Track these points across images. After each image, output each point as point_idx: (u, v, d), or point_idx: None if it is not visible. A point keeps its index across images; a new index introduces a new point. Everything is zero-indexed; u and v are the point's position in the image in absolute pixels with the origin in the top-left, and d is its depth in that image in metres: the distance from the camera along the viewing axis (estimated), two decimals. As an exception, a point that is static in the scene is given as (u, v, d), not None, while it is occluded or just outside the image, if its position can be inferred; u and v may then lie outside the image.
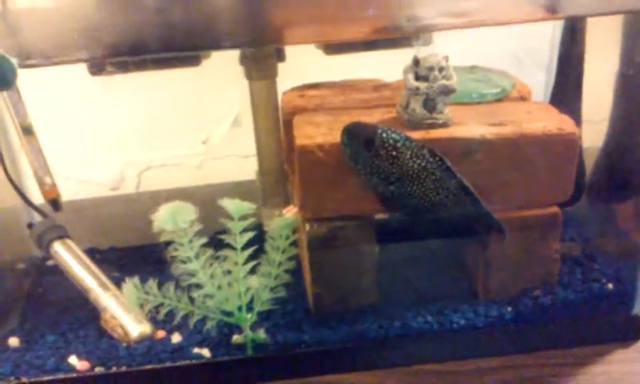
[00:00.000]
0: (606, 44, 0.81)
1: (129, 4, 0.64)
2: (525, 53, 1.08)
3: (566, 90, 0.83)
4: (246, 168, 1.00)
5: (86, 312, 0.81)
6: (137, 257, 0.94)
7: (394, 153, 0.68)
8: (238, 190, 0.88)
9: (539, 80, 1.02)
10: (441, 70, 0.71)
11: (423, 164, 0.69)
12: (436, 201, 0.70)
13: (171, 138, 1.15)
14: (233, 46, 0.76)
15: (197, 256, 0.71)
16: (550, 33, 1.03)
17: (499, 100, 0.80)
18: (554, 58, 0.96)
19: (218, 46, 0.70)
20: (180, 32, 0.66)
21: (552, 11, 0.72)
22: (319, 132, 0.74)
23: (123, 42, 0.64)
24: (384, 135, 0.68)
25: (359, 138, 0.69)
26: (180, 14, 0.65)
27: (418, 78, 0.72)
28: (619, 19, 0.77)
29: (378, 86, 0.86)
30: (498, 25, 0.74)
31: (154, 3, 0.64)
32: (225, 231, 0.71)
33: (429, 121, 0.73)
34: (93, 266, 0.81)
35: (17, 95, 0.62)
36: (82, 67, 0.77)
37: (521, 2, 0.72)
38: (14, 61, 0.59)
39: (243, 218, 0.70)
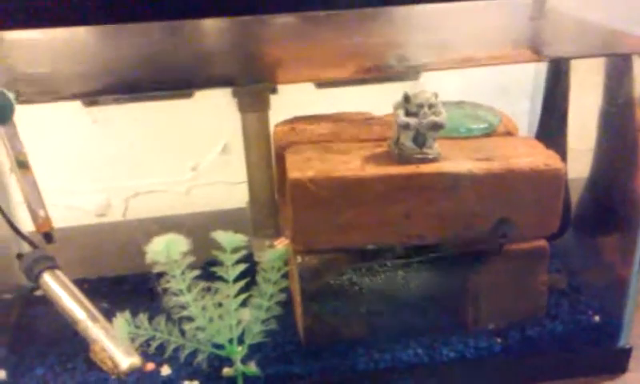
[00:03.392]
0: (590, 81, 0.84)
1: (125, 44, 0.65)
2: (510, 81, 1.11)
3: (552, 126, 0.85)
4: (235, 195, 1.00)
5: (74, 344, 0.80)
6: (126, 287, 0.94)
7: (357, 288, 0.74)
8: (227, 218, 0.89)
9: (524, 108, 1.04)
10: (430, 106, 0.73)
11: (387, 274, 0.74)
12: (420, 279, 0.75)
13: (159, 164, 1.15)
14: (226, 85, 0.77)
15: (189, 288, 0.71)
16: (534, 64, 1.06)
17: (487, 135, 0.82)
18: (539, 87, 0.98)
19: (212, 84, 0.71)
20: (175, 71, 0.67)
21: (537, 53, 0.75)
22: (311, 165, 0.75)
23: (119, 80, 0.65)
24: (337, 285, 0.75)
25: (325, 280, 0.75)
26: (177, 54, 0.66)
27: (408, 113, 0.74)
28: (601, 60, 0.80)
29: (368, 119, 0.87)
30: (485, 66, 0.76)
31: (150, 43, 0.66)
32: (215, 262, 0.71)
33: (419, 156, 0.74)
34: (82, 298, 0.81)
35: (13, 129, 0.62)
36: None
37: (506, 46, 0.75)
38: (12, 96, 0.59)
39: (235, 250, 0.71)
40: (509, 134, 0.83)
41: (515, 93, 1.07)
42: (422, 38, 0.74)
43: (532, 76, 1.06)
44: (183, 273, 0.70)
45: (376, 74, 0.70)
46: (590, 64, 0.80)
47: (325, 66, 0.70)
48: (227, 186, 1.17)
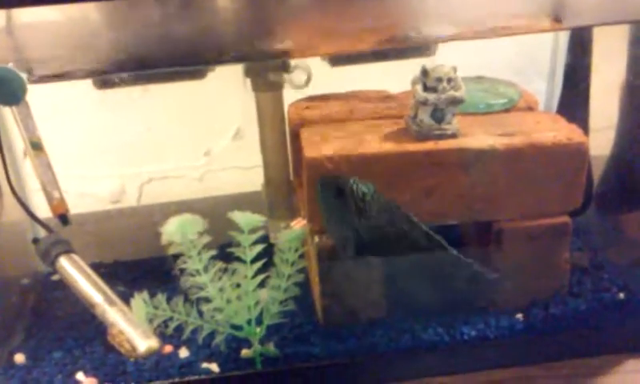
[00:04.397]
0: (612, 53, 0.82)
1: (135, 19, 0.64)
2: (525, 62, 1.09)
3: (574, 99, 0.83)
4: (248, 180, 1.00)
5: (91, 327, 0.80)
6: (142, 270, 0.93)
7: (361, 205, 0.69)
8: (242, 202, 0.88)
9: (540, 89, 1.02)
10: (449, 80, 0.71)
11: (390, 218, 0.70)
12: (403, 255, 0.71)
13: (173, 150, 1.14)
14: (238, 60, 0.76)
15: (206, 269, 0.70)
16: (551, 42, 1.04)
17: (507, 110, 0.80)
18: (557, 66, 0.96)
19: (224, 60, 0.70)
20: (186, 47, 0.66)
21: (557, 21, 0.73)
22: (327, 144, 0.74)
23: (130, 57, 0.64)
24: (354, 186, 0.69)
25: (331, 186, 0.70)
26: (186, 29, 0.65)
27: (426, 88, 0.72)
28: (625, 28, 0.77)
29: (385, 98, 0.86)
30: (505, 36, 0.74)
31: (161, 18, 0.64)
32: (231, 244, 0.70)
33: (437, 132, 0.73)
34: (99, 281, 0.80)
35: (26, 110, 0.61)
36: (82, 80, 0.77)
37: (526, 13, 0.73)
38: (24, 76, 0.58)
39: (253, 230, 0.70)
40: (529, 109, 0.81)
41: (530, 73, 1.05)
42: (437, 8, 0.72)
43: (549, 55, 1.04)
44: (200, 253, 0.69)
45: (392, 45, 0.68)
46: (613, 33, 0.78)
47: (339, 38, 0.68)
48: (241, 170, 1.16)
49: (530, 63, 1.06)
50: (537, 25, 0.74)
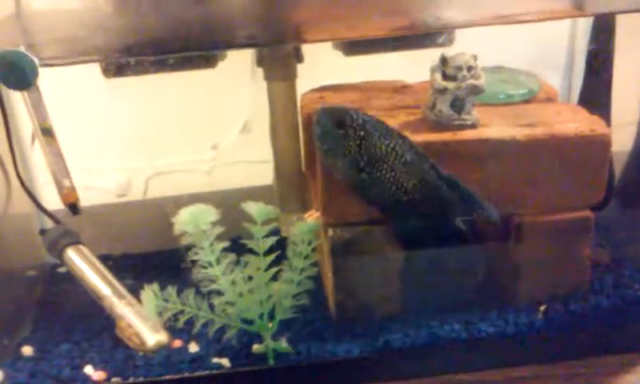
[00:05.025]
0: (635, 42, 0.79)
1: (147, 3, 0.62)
2: (538, 56, 1.07)
3: (596, 90, 0.81)
4: (256, 174, 0.98)
5: (99, 320, 0.79)
6: (150, 264, 0.92)
7: (362, 133, 0.67)
8: (253, 195, 0.86)
9: (554, 83, 1.00)
10: (469, 69, 0.69)
11: (392, 145, 0.68)
12: (409, 187, 0.69)
13: (180, 143, 1.13)
14: (251, 45, 0.74)
15: (218, 261, 0.68)
16: (567, 35, 1.02)
17: (526, 101, 0.78)
18: (575, 60, 0.94)
19: (235, 45, 0.68)
20: (197, 31, 0.65)
21: (579, 8, 0.71)
22: (342, 134, 0.72)
23: (142, 41, 0.63)
24: (354, 116, 0.68)
25: (330, 117, 0.69)
26: (197, 13, 0.64)
27: (445, 77, 0.70)
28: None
29: (400, 88, 0.84)
30: (525, 22, 0.72)
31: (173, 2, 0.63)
32: (241, 238, 0.69)
33: (457, 122, 0.71)
34: (107, 273, 0.79)
35: (37, 95, 0.60)
36: (89, 71, 0.75)
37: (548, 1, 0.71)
38: (35, 59, 0.57)
39: (266, 222, 0.68)
40: (549, 100, 0.79)
41: (544, 66, 1.03)
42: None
43: (565, 46, 1.02)
44: (212, 244, 0.68)
45: (407, 32, 0.67)
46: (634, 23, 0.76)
47: (353, 24, 0.66)
48: (249, 164, 1.14)
49: (543, 57, 1.04)
50: (557, 11, 0.72)
